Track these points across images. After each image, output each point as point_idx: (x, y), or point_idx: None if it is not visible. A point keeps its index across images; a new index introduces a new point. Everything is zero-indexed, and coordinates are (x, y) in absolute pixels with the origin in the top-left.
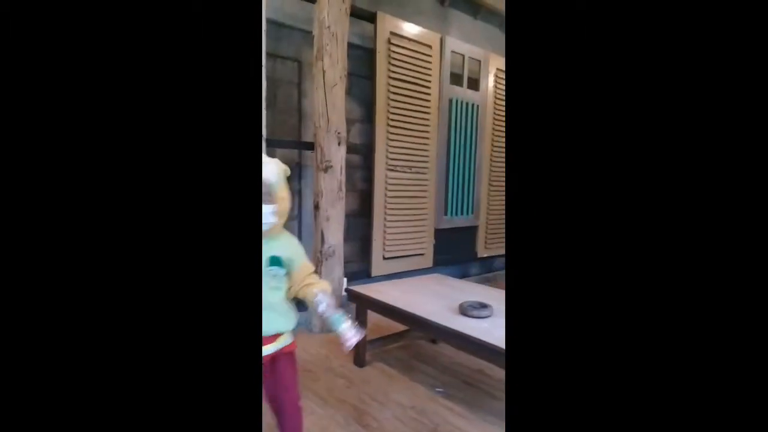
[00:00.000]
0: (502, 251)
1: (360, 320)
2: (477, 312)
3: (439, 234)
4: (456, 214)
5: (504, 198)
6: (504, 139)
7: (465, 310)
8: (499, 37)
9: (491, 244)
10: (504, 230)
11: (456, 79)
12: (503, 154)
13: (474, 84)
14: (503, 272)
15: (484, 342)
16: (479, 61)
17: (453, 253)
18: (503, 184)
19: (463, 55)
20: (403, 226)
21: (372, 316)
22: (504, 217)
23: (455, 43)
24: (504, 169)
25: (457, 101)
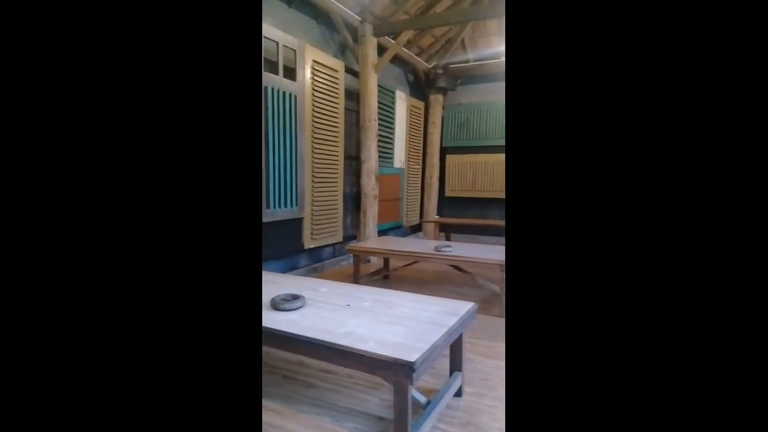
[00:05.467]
0: (329, 241)
1: None
2: (288, 305)
3: (263, 228)
4: (279, 206)
5: (329, 189)
6: (325, 132)
7: (275, 304)
8: (315, 29)
9: (317, 235)
10: (331, 220)
11: (271, 66)
12: (325, 147)
13: (290, 74)
14: (331, 261)
15: (288, 333)
16: (294, 51)
17: (278, 246)
18: (327, 175)
19: (278, 43)
20: None
21: None
22: (330, 207)
23: (269, 29)
24: (327, 162)
25: (273, 89)
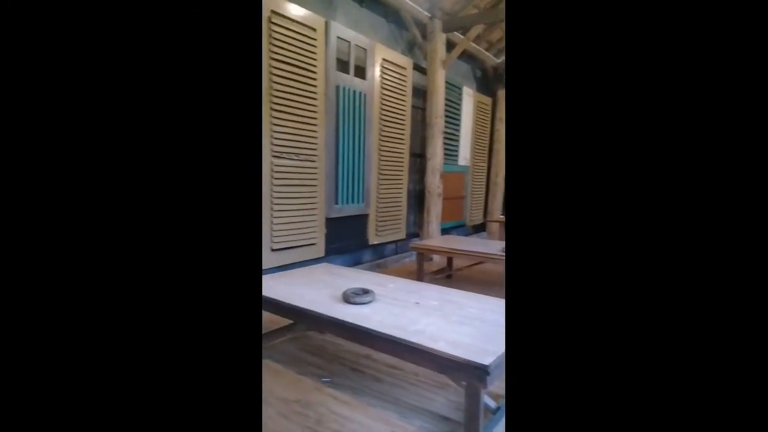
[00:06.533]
0: (392, 238)
1: None
2: (359, 299)
3: (331, 223)
4: (347, 202)
5: (394, 186)
6: (391, 130)
7: (347, 297)
8: (385, 27)
9: (382, 231)
10: (395, 217)
11: (342, 66)
12: (391, 145)
13: (361, 72)
14: (393, 257)
15: (362, 327)
16: (365, 50)
17: (345, 241)
18: (392, 173)
19: (349, 42)
20: (293, 215)
21: None
22: (394, 204)
23: (341, 29)
24: (393, 159)
25: (344, 89)
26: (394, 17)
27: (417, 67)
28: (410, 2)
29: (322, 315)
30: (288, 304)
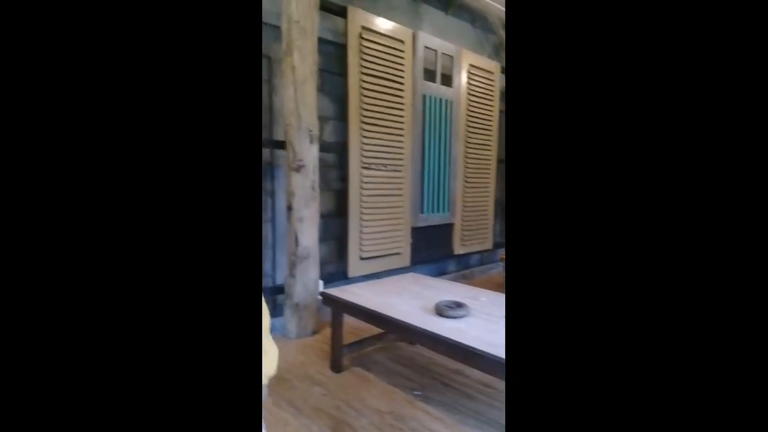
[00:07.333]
0: (478, 248)
1: (336, 324)
2: (452, 312)
3: (416, 232)
4: (432, 211)
5: (480, 195)
6: (478, 136)
7: (440, 310)
8: (471, 32)
9: (467, 240)
10: (481, 226)
11: (429, 75)
12: (478, 152)
13: (447, 80)
14: (479, 268)
15: (459, 343)
16: (452, 57)
17: (430, 251)
18: (478, 181)
19: (436, 51)
20: (380, 225)
21: (349, 319)
22: (480, 213)
23: (428, 39)
24: (479, 167)
25: (430, 97)
26: (481, 22)
27: (504, 70)
28: (497, 4)
29: (417, 327)
30: (380, 313)
